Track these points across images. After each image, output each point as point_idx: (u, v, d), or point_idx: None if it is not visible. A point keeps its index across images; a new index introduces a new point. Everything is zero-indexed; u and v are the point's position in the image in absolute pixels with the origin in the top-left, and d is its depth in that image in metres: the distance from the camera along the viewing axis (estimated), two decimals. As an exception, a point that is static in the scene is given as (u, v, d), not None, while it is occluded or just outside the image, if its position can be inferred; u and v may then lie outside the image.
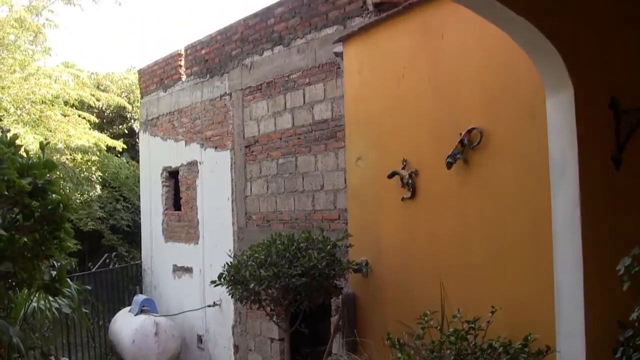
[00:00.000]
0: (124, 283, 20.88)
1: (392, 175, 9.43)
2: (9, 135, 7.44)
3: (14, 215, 7.16)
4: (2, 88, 21.42)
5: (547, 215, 6.22)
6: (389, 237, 9.87)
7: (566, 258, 5.92)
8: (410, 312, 8.48)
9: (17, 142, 7.25)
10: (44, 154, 7.45)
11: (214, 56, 16.43)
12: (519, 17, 5.65)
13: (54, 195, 7.18)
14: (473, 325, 7.06)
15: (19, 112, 21.90)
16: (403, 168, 9.37)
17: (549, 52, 5.75)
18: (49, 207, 7.08)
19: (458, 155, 8.29)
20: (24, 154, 7.11)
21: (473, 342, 6.98)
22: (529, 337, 6.69)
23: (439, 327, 7.52)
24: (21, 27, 22.39)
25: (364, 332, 10.14)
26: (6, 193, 6.79)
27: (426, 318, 7.51)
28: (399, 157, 9.44)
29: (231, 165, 15.61)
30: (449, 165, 8.36)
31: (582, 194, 5.71)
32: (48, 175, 7.14)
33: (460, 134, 8.21)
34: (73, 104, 24.58)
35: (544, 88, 6.08)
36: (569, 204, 5.83)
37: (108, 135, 26.43)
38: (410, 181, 9.25)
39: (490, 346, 6.89)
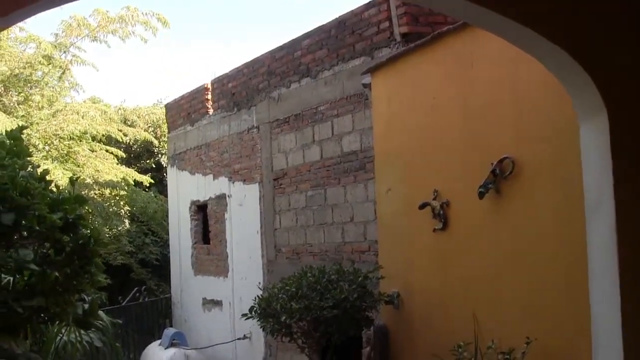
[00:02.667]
0: (154, 316, 20.98)
1: (423, 206, 9.36)
2: (39, 170, 7.44)
3: (45, 251, 7.17)
4: (31, 124, 21.57)
5: (582, 245, 6.13)
6: (420, 268, 9.79)
7: (603, 289, 5.82)
8: (443, 344, 8.41)
9: (47, 177, 7.26)
10: (74, 189, 7.46)
11: (241, 89, 16.44)
12: (551, 44, 5.59)
13: (84, 230, 7.19)
14: (508, 357, 6.99)
15: (47, 148, 22.07)
16: (434, 199, 9.30)
17: (582, 78, 5.68)
18: (80, 242, 7.09)
19: (490, 185, 8.20)
20: (55, 189, 7.13)
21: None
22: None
23: (473, 359, 7.45)
24: (49, 64, 22.60)
25: (396, 365, 10.09)
26: (37, 228, 6.80)
27: (460, 349, 7.45)
28: (429, 188, 9.38)
29: (260, 198, 15.58)
30: (481, 195, 8.27)
31: (619, 223, 5.61)
32: (78, 210, 7.15)
33: (492, 164, 8.14)
34: (100, 140, 24.77)
35: (577, 115, 6.01)
36: (605, 233, 5.73)
37: (135, 170, 26.60)
38: (441, 212, 9.18)
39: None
